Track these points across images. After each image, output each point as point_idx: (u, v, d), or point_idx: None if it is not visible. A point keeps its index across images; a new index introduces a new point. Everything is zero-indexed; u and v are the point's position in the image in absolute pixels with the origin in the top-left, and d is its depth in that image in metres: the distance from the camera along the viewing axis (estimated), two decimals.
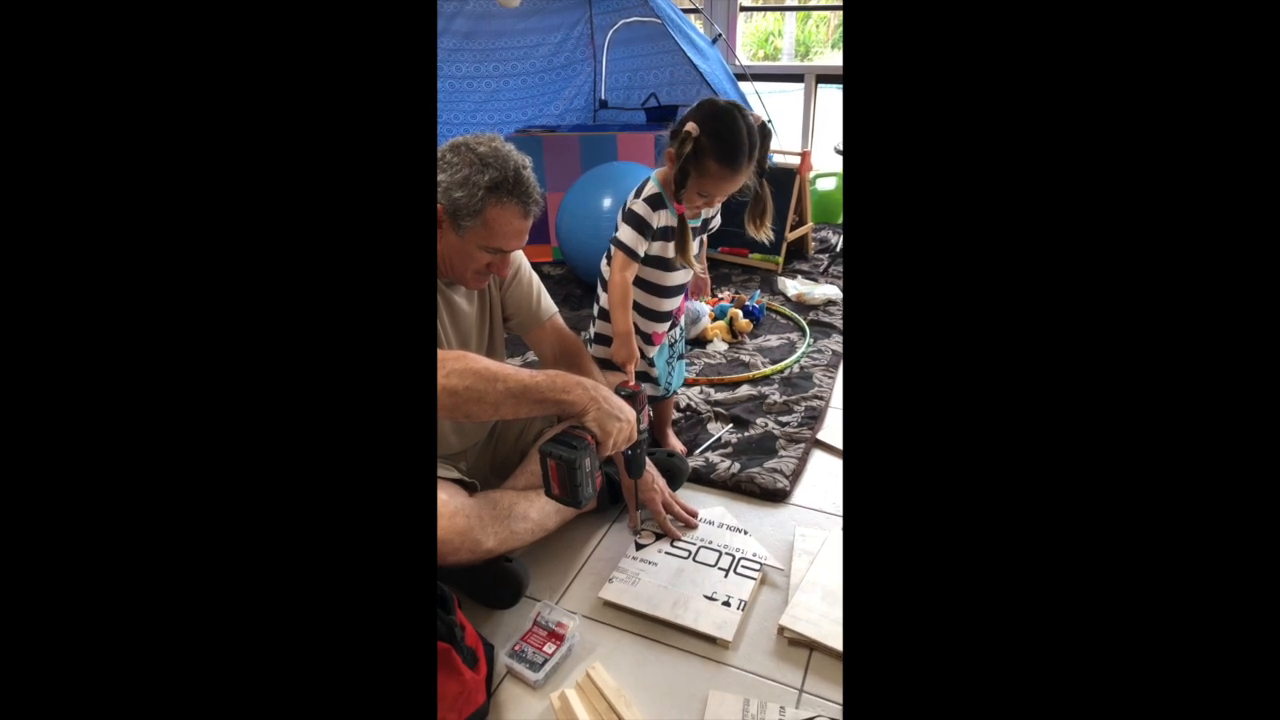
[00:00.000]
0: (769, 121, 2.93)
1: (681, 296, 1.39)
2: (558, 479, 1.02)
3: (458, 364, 0.99)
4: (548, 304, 1.33)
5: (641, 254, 1.24)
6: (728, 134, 1.13)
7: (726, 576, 1.20)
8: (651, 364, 1.42)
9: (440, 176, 1.06)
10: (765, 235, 1.31)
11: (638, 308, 1.35)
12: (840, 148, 2.55)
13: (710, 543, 1.28)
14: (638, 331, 1.37)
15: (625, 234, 1.23)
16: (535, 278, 1.32)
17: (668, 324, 1.40)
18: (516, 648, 1.06)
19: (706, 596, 1.15)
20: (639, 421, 1.10)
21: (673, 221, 1.26)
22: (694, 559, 1.24)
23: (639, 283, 1.33)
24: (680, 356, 1.52)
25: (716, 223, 1.37)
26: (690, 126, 1.14)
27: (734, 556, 1.24)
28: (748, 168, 1.17)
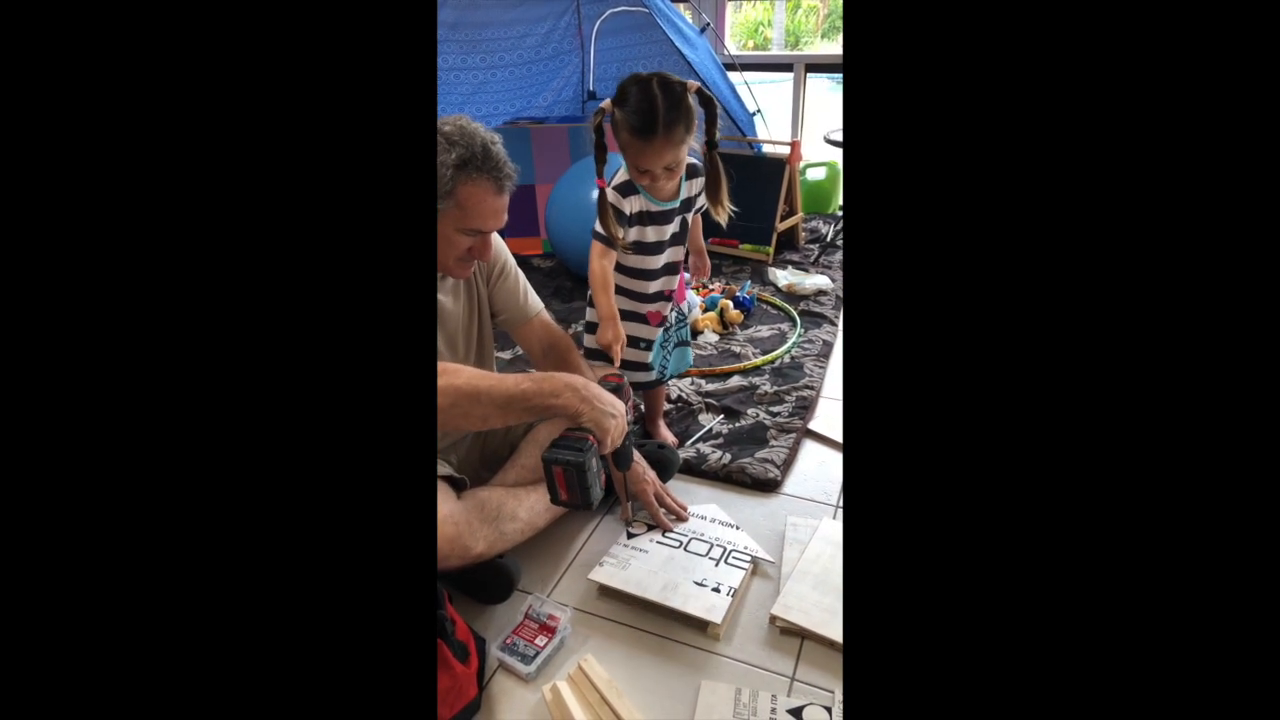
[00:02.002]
0: (758, 112, 2.92)
1: (674, 277, 1.37)
2: (565, 485, 1.00)
3: (440, 380, 0.97)
4: (534, 299, 1.32)
5: (618, 242, 1.25)
6: (636, 104, 1.12)
7: (717, 566, 1.20)
8: (647, 348, 1.41)
9: None
10: (723, 215, 1.30)
11: (625, 292, 1.36)
12: (830, 137, 2.55)
13: (702, 535, 1.28)
14: (630, 315, 1.37)
15: (600, 223, 1.25)
16: (521, 273, 1.31)
17: (661, 305, 1.38)
18: (508, 641, 1.06)
19: (697, 582, 1.15)
20: (625, 413, 1.10)
21: (648, 206, 1.26)
22: (685, 549, 1.24)
23: (624, 269, 1.33)
24: (682, 343, 1.50)
25: (703, 201, 1.35)
26: (604, 103, 1.17)
27: (725, 548, 1.24)
28: (664, 136, 1.12)
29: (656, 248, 1.32)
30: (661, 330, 1.42)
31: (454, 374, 0.99)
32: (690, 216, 1.36)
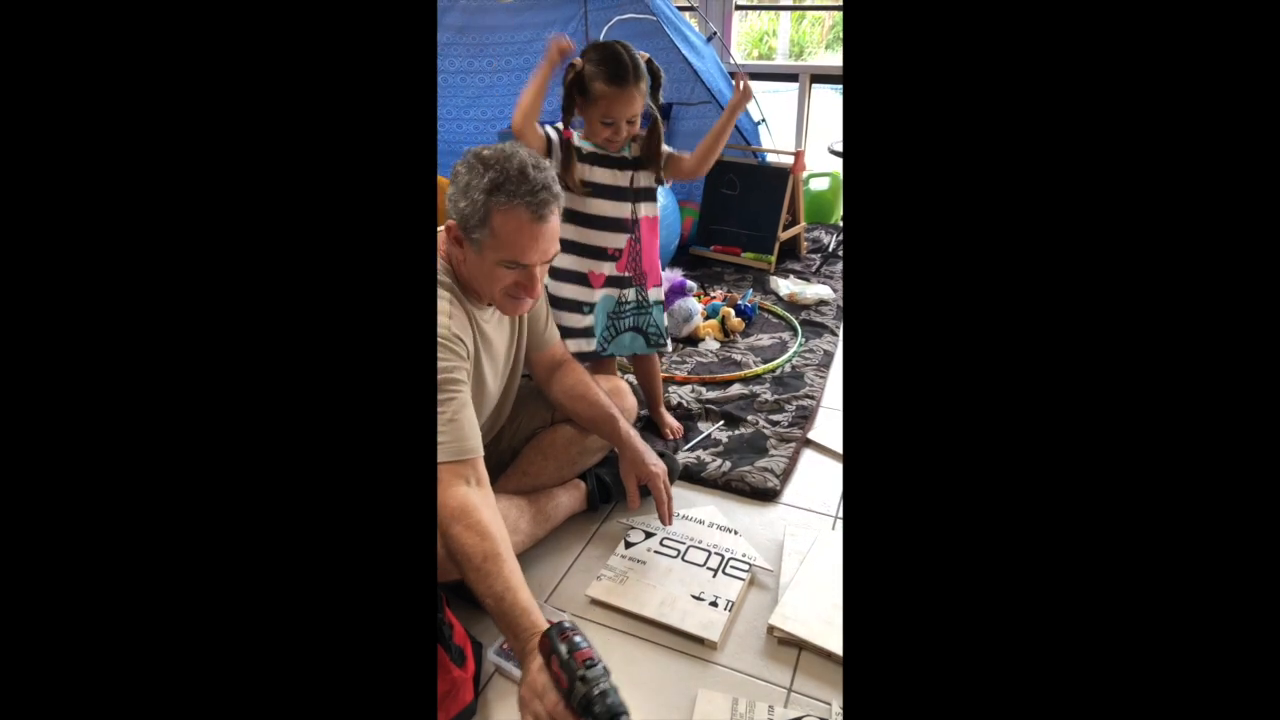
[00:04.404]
0: (763, 121, 2.93)
1: (619, 236, 1.40)
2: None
3: (469, 536, 0.93)
4: (554, 328, 1.33)
5: (571, 182, 1.34)
6: (609, 58, 1.27)
7: (715, 576, 1.20)
8: (590, 311, 1.43)
9: (451, 190, 1.02)
10: (663, 152, 1.40)
11: (572, 246, 1.40)
12: (834, 148, 2.56)
13: (700, 542, 1.27)
14: (573, 275, 1.42)
15: (560, 167, 1.36)
16: (547, 300, 1.32)
17: (604, 265, 1.41)
18: (505, 646, 1.05)
19: (694, 596, 1.15)
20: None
21: (589, 147, 1.36)
22: (683, 558, 1.24)
23: (571, 215, 1.39)
24: (637, 330, 1.50)
25: (660, 165, 1.40)
26: (575, 60, 1.29)
27: (723, 556, 1.24)
28: (635, 85, 1.26)
29: (598, 190, 1.37)
30: (609, 299, 1.44)
31: (481, 532, 0.94)
32: (647, 184, 1.41)
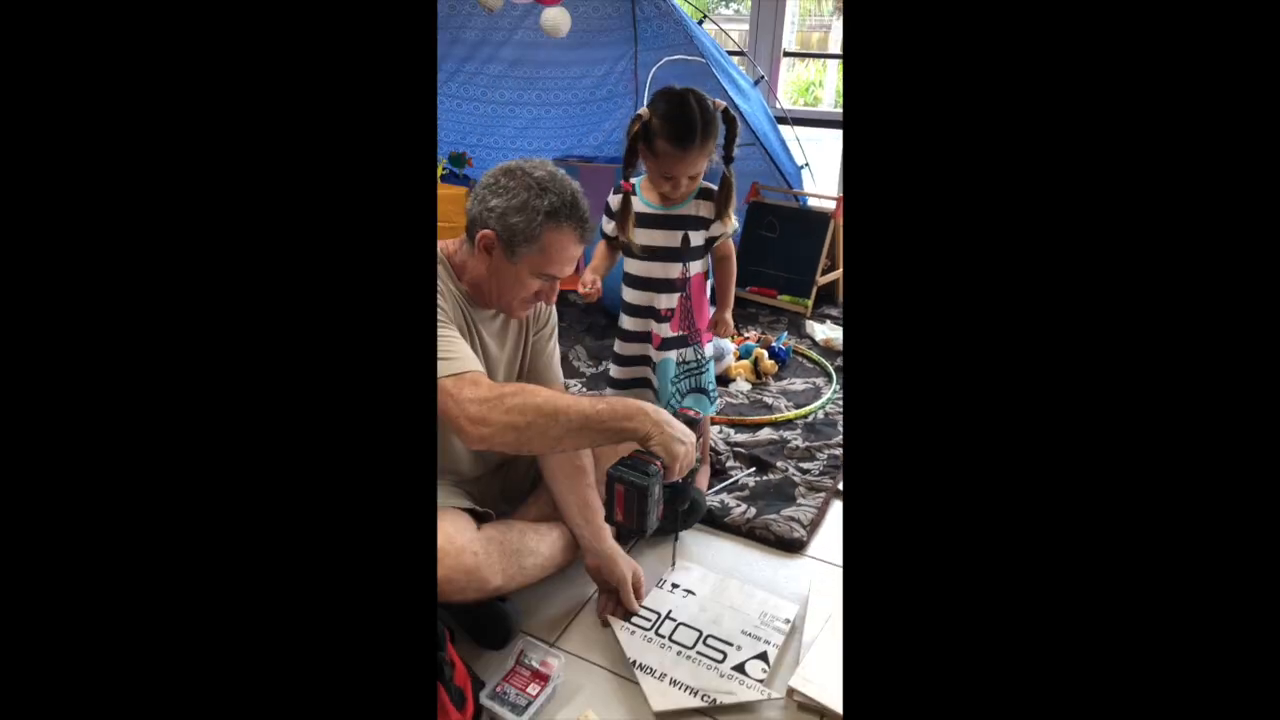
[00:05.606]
0: (806, 165, 2.91)
1: (672, 296, 1.35)
2: (623, 505, 0.99)
3: (517, 399, 0.95)
4: (558, 368, 1.30)
5: (626, 236, 1.31)
6: (675, 115, 1.20)
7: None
8: (653, 368, 1.39)
9: (495, 201, 1.03)
10: (729, 225, 1.34)
11: (630, 308, 1.39)
12: None
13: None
14: (635, 335, 1.40)
15: (603, 223, 1.34)
16: (556, 338, 1.29)
17: (661, 325, 1.37)
18: (499, 689, 1.00)
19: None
20: (696, 446, 1.04)
21: (642, 208, 1.31)
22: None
23: (624, 278, 1.38)
24: (700, 390, 1.44)
25: (722, 230, 1.34)
26: (642, 111, 1.23)
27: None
28: (700, 146, 1.21)
29: (650, 253, 1.33)
30: (669, 362, 1.38)
31: (531, 393, 0.97)
32: (702, 243, 1.35)
